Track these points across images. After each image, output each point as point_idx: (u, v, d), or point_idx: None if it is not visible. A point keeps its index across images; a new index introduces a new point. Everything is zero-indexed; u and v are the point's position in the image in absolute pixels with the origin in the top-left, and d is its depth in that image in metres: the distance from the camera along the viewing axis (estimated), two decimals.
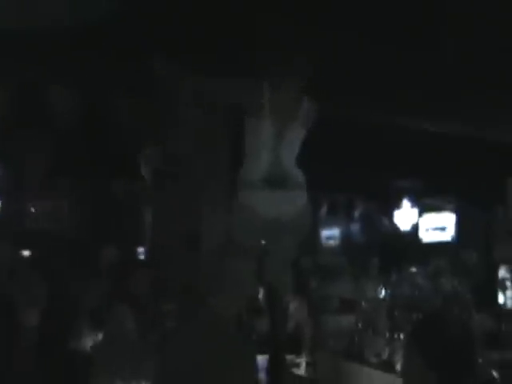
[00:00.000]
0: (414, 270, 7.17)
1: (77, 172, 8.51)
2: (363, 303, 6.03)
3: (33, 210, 11.20)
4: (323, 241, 12.45)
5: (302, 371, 5.73)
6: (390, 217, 11.35)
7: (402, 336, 4.60)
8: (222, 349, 2.29)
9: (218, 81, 4.02)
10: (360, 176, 8.45)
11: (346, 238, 12.32)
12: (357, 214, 11.58)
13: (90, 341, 6.11)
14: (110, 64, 4.86)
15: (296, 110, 3.63)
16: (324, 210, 11.85)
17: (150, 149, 4.70)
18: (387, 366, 4.61)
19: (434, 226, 11.16)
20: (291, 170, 3.66)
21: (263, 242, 3.68)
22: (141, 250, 10.37)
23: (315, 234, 11.64)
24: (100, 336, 5.94)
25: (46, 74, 5.22)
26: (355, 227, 12.12)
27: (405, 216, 11.19)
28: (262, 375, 3.56)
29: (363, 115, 5.80)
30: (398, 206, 11.11)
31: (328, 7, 4.17)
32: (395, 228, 11.19)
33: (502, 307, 8.03)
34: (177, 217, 4.66)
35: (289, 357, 4.55)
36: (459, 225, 10.62)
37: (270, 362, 3.77)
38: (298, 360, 5.32)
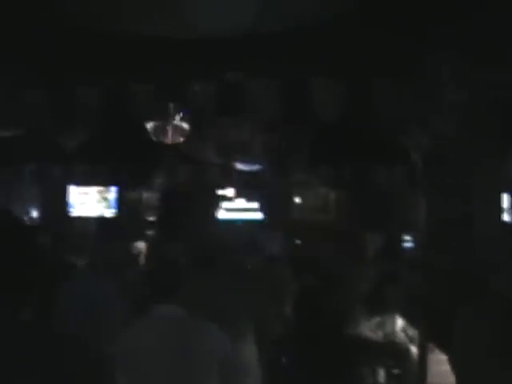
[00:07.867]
0: None
1: (339, 161, 8.70)
2: None
3: (299, 200, 11.73)
4: None
5: None
6: None
7: None
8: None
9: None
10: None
11: None
12: None
13: (365, 325, 6.19)
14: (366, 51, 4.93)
15: None
16: None
17: (415, 131, 4.65)
18: None
19: None
20: None
21: None
22: (407, 236, 10.38)
23: None
24: (375, 320, 5.97)
25: (311, 70, 5.43)
26: None
27: None
28: None
29: None
30: None
31: None
32: None
33: None
34: (448, 200, 4.57)
35: None
36: None
37: None
38: None
